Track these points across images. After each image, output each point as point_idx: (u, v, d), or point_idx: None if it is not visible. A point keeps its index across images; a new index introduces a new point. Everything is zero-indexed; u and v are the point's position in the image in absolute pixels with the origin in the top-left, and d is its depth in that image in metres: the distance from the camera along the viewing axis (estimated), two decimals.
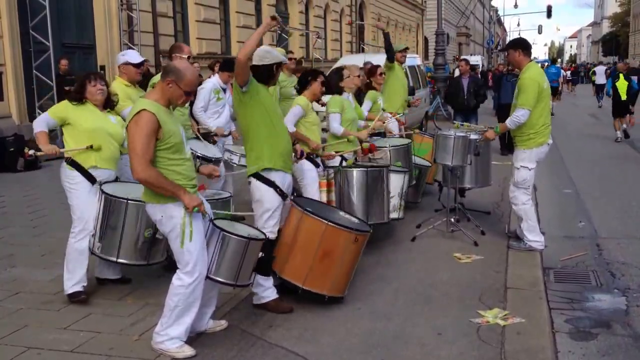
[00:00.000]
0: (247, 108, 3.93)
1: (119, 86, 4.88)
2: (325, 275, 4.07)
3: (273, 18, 3.82)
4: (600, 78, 19.87)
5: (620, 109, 12.63)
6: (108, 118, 4.39)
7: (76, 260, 4.21)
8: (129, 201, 4.05)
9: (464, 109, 10.57)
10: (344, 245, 4.07)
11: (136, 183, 4.34)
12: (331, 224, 4.03)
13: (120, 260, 4.18)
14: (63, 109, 4.33)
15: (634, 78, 12.83)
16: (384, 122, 6.45)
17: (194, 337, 3.67)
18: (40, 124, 4.33)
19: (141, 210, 3.95)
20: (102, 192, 4.14)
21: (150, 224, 3.98)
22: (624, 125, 12.80)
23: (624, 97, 12.46)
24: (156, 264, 4.34)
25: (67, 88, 4.65)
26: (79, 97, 4.29)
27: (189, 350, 3.50)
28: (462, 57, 15.06)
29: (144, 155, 3.24)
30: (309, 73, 5.20)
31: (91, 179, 4.21)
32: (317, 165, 4.99)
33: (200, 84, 6.61)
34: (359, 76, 6.04)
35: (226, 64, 6.51)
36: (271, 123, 3.99)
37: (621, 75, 12.80)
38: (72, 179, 4.21)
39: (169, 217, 3.39)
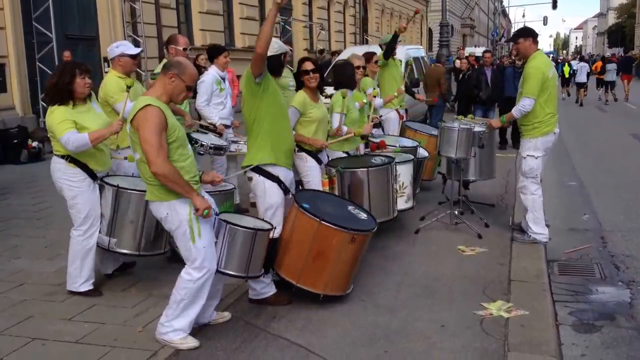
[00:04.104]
0: (256, 99, 3.88)
1: (113, 79, 4.71)
2: (320, 274, 3.98)
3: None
4: (582, 76, 21.29)
5: (565, 82, 23.52)
6: (94, 109, 4.23)
7: (85, 258, 4.18)
8: None
9: (485, 101, 10.09)
10: (338, 246, 3.92)
11: (131, 176, 4.34)
12: (324, 222, 3.85)
13: (143, 253, 4.18)
14: (67, 115, 3.99)
15: (574, 64, 23.56)
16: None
17: (198, 329, 3.67)
18: (79, 136, 3.96)
19: None
20: (116, 186, 4.10)
21: None
22: (565, 94, 23.43)
23: (567, 75, 23.14)
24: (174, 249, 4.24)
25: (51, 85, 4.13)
26: (67, 91, 4.00)
27: (192, 342, 3.51)
28: (485, 49, 14.70)
29: (161, 148, 3.21)
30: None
31: (92, 175, 4.16)
32: (319, 162, 4.96)
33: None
34: (359, 67, 5.96)
35: (213, 52, 6.39)
36: (277, 118, 3.96)
37: (566, 63, 24.55)
38: (74, 177, 4.11)
39: (175, 214, 3.38)
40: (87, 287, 4.23)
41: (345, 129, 5.25)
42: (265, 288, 4.09)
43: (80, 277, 4.20)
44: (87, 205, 4.13)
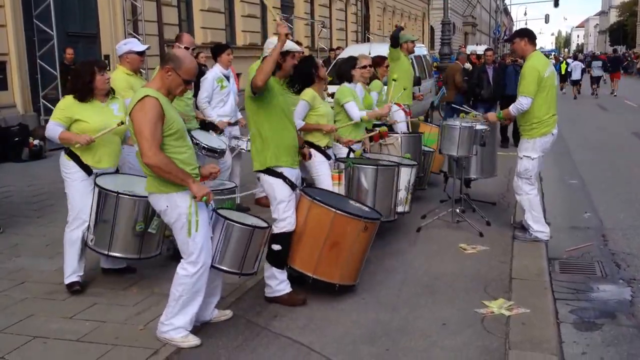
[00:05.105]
0: (254, 103, 3.93)
1: (121, 75, 4.81)
2: (335, 264, 4.06)
3: (285, 35, 3.73)
4: (576, 74, 23.48)
5: (562, 79, 23.98)
6: (111, 110, 4.28)
7: (70, 250, 4.22)
8: (119, 194, 3.97)
9: (488, 99, 10.05)
10: (353, 234, 4.05)
11: (136, 175, 4.35)
12: (339, 212, 4.01)
13: (111, 254, 4.11)
14: (67, 107, 4.13)
15: (570, 62, 25.33)
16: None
17: (199, 327, 3.67)
18: (56, 129, 4.11)
19: (133, 203, 3.99)
20: (95, 185, 4.10)
21: (142, 218, 3.99)
22: (564, 89, 24.36)
23: (563, 72, 24.21)
24: (148, 258, 4.24)
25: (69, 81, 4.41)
26: (89, 90, 4.12)
27: (193, 340, 3.51)
28: (487, 47, 14.75)
29: (154, 139, 3.21)
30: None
31: (87, 170, 4.18)
32: (328, 158, 4.97)
33: (204, 74, 6.59)
34: (365, 67, 5.99)
35: (216, 50, 6.43)
36: (277, 120, 3.97)
37: (564, 61, 26.26)
38: (67, 168, 4.19)
39: (174, 207, 3.37)
40: (73, 279, 4.24)
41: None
42: (280, 285, 4.08)
43: (68, 269, 4.23)
44: (76, 198, 4.18)
